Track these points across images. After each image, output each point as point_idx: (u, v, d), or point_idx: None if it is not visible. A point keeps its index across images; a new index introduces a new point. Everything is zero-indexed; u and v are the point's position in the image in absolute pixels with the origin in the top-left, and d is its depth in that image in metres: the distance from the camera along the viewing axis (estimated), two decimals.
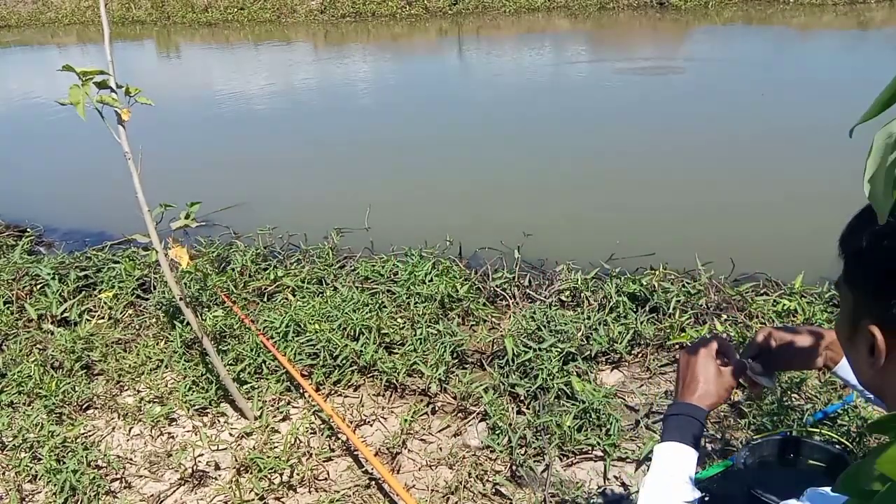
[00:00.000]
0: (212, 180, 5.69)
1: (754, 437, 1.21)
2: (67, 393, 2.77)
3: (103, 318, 3.36)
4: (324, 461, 2.39)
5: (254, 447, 2.45)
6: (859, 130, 0.52)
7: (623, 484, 2.22)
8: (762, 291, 3.17)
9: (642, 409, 2.50)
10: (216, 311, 3.14)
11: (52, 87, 10.07)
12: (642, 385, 2.66)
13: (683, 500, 0.97)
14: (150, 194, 2.25)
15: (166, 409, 2.66)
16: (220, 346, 2.89)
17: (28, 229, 4.72)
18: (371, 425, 2.59)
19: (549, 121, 6.85)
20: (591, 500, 2.16)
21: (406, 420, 2.51)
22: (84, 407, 2.79)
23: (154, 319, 3.27)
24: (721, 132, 5.90)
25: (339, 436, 2.50)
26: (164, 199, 2.30)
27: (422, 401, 2.64)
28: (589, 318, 2.88)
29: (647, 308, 2.99)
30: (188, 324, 2.71)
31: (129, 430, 2.66)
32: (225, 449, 2.50)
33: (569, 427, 2.33)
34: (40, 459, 2.42)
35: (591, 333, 2.80)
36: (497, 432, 2.40)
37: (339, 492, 2.27)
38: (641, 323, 2.84)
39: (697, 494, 0.98)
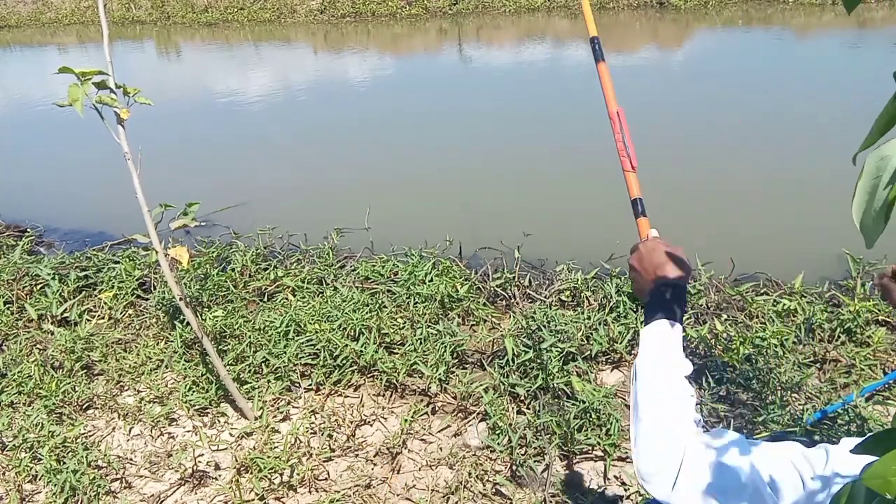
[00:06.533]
0: (212, 180, 5.69)
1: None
2: (67, 393, 2.77)
3: (103, 318, 3.36)
4: (324, 461, 2.39)
5: (254, 447, 2.45)
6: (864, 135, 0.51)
7: (623, 484, 2.22)
8: (762, 291, 3.17)
9: None
10: (216, 310, 3.14)
11: (52, 87, 10.07)
12: None
13: (675, 376, 0.97)
14: (150, 194, 2.24)
15: (166, 409, 2.66)
16: (220, 346, 2.89)
17: (28, 229, 4.73)
18: (371, 425, 2.58)
19: (550, 121, 6.85)
20: (591, 500, 2.16)
21: (406, 420, 2.51)
22: (84, 407, 2.79)
23: (154, 319, 3.27)
24: (722, 131, 5.90)
25: (339, 435, 2.50)
26: (165, 199, 2.30)
27: (422, 401, 2.64)
28: (589, 318, 2.88)
29: None
30: (188, 324, 2.71)
31: (130, 431, 2.66)
32: (225, 449, 2.50)
33: (569, 427, 2.33)
34: (40, 459, 2.42)
35: (591, 333, 2.80)
36: (497, 432, 2.40)
37: (339, 492, 2.27)
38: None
39: (688, 365, 0.99)
